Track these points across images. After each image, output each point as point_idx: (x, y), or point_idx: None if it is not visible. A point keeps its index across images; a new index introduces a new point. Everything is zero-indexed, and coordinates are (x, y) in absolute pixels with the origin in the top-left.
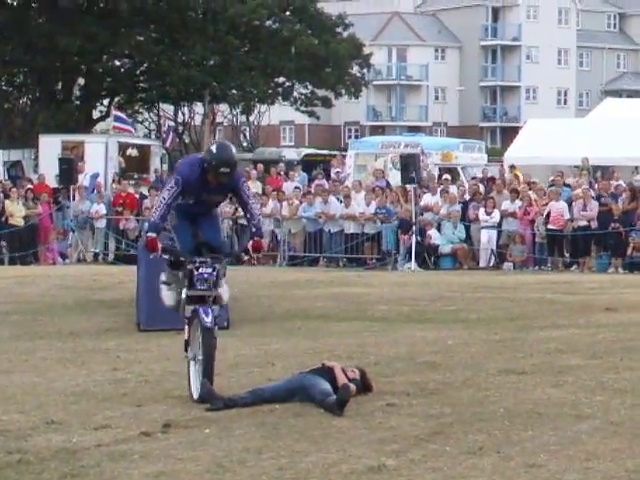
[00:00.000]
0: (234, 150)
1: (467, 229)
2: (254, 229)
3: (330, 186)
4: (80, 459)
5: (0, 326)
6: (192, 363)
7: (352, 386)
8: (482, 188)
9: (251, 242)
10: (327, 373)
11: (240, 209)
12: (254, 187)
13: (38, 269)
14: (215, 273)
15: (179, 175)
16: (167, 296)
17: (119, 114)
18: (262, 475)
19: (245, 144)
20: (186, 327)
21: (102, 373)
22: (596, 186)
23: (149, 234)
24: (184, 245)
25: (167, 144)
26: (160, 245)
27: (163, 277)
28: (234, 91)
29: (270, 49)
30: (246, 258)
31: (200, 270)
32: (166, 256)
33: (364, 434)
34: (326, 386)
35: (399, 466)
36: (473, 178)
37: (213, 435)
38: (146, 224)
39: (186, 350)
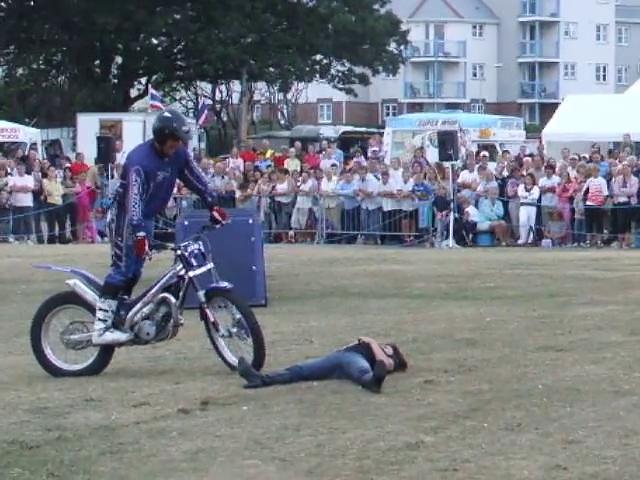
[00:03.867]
0: None
1: (505, 206)
2: (210, 199)
3: (368, 163)
4: (119, 436)
5: (39, 304)
6: (222, 340)
7: (387, 361)
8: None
9: (215, 212)
10: (364, 349)
11: (190, 184)
12: (292, 165)
13: (77, 247)
14: (202, 248)
15: (135, 165)
16: (119, 335)
17: (154, 92)
18: (300, 452)
19: (283, 122)
20: (207, 311)
21: (140, 351)
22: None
23: (139, 234)
24: (127, 268)
25: (200, 121)
26: (147, 246)
27: (99, 325)
28: (271, 69)
29: (307, 26)
30: (218, 227)
31: (189, 249)
32: (153, 252)
33: (402, 411)
34: (363, 363)
35: (437, 443)
36: (505, 151)
37: (251, 412)
38: (184, 202)
39: (218, 330)
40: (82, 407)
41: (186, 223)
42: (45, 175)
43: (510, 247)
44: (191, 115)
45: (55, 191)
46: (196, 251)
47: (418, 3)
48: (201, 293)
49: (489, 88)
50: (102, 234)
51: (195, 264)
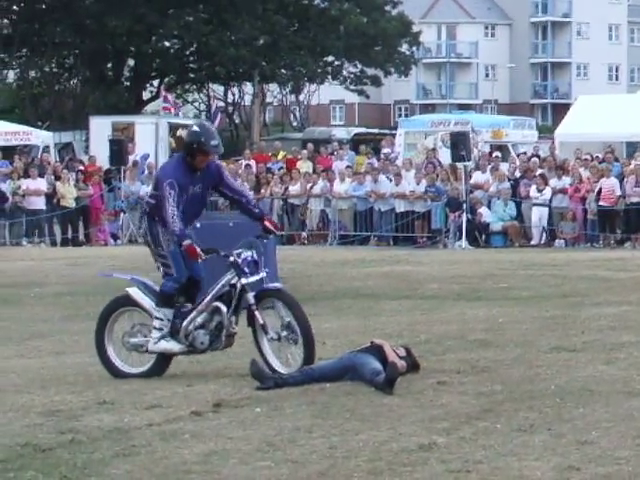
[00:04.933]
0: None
1: (518, 206)
2: (257, 210)
3: (380, 165)
4: (131, 438)
5: (53, 307)
6: (269, 344)
7: (400, 363)
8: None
9: (267, 222)
10: (377, 351)
11: (230, 200)
12: (305, 166)
13: (90, 250)
14: (255, 256)
15: (168, 178)
16: (172, 345)
17: (166, 95)
18: (313, 454)
19: (295, 124)
20: (256, 313)
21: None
22: None
23: (185, 243)
24: (178, 273)
25: (214, 125)
26: (199, 249)
27: (156, 333)
28: (283, 70)
29: (319, 28)
30: (271, 237)
31: (242, 256)
32: (208, 256)
33: (415, 412)
34: (376, 365)
35: (449, 444)
36: (519, 155)
37: (264, 414)
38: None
39: (267, 333)
40: (95, 410)
41: (198, 225)
42: (58, 178)
43: (523, 248)
44: (204, 118)
45: (68, 194)
46: (249, 259)
47: (430, 4)
48: (250, 295)
49: (501, 89)
50: (115, 237)
51: (247, 271)
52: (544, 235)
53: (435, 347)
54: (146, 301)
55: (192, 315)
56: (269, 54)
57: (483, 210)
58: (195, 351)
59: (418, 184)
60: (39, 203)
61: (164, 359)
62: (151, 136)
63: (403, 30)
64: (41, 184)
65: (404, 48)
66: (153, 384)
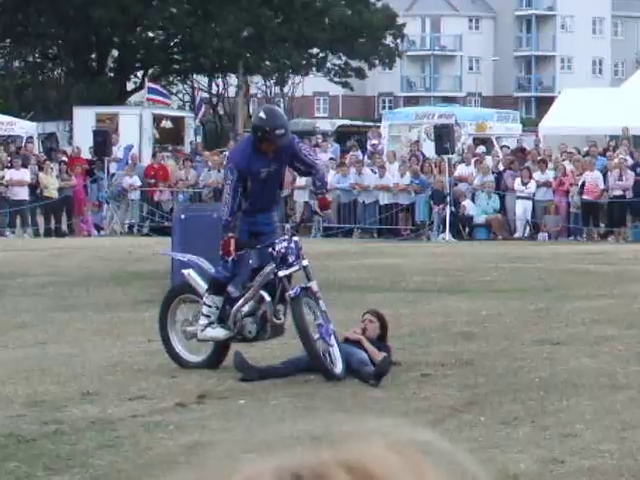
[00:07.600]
0: (281, 111)
1: (502, 199)
2: (318, 183)
3: (368, 156)
4: (115, 430)
5: (36, 298)
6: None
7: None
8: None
9: (317, 202)
10: (358, 345)
11: (303, 174)
12: None
13: (73, 241)
14: (293, 246)
15: (231, 162)
16: (218, 332)
17: (154, 86)
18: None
19: None
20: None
21: (137, 344)
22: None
23: (228, 235)
24: (234, 264)
25: (198, 116)
26: (233, 248)
27: (203, 320)
28: (268, 62)
29: (303, 20)
30: (315, 218)
31: (277, 247)
32: (241, 252)
33: (399, 404)
34: (363, 355)
35: None
36: (502, 147)
37: (248, 406)
38: (180, 196)
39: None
40: (79, 401)
41: (183, 217)
42: (41, 168)
43: (506, 241)
44: (188, 109)
45: (51, 185)
46: (283, 250)
47: None
48: (292, 291)
49: (485, 82)
50: (98, 227)
51: (285, 263)
52: (527, 228)
53: (419, 339)
54: (200, 285)
55: (240, 302)
56: (253, 46)
57: (467, 203)
58: (245, 339)
59: (402, 176)
60: (22, 193)
61: (220, 349)
62: (135, 127)
63: (387, 22)
64: (24, 174)
65: (388, 40)
66: (137, 375)
